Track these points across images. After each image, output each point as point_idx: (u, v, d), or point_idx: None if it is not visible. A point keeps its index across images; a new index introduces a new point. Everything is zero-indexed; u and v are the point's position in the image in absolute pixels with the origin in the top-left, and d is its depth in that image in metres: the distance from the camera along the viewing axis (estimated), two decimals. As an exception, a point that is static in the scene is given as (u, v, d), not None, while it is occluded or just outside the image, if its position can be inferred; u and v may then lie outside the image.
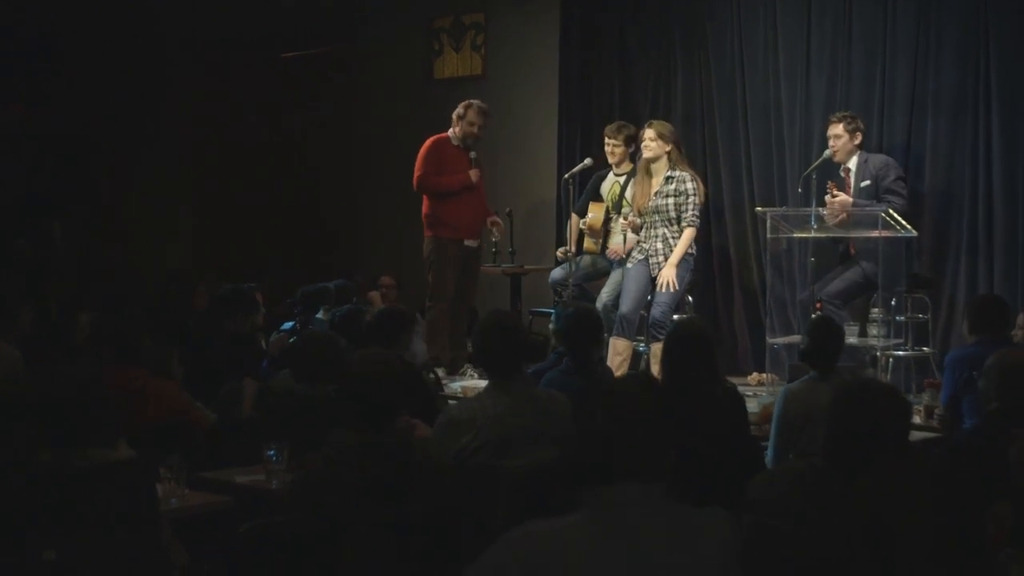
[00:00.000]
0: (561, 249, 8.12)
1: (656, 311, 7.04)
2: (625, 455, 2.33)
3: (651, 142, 7.19)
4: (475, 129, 8.00)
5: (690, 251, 7.24)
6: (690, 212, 7.11)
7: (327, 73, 11.07)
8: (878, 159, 7.28)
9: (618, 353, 7.07)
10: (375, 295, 8.84)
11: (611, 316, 7.38)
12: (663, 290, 7.02)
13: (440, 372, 7.35)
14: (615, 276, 7.57)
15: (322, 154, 11.12)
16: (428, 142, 8.10)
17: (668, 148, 7.17)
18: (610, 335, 7.10)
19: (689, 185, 7.13)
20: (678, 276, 7.06)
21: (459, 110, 8.03)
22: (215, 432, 5.10)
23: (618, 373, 7.01)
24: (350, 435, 3.40)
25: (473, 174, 7.97)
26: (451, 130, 8.08)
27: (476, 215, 8.08)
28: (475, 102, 8.05)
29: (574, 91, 9.42)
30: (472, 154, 8.06)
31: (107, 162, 10.95)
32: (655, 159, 7.17)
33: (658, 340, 7.02)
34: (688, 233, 7.11)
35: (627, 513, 2.30)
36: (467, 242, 8.04)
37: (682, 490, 2.44)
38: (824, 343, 5.10)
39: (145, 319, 7.53)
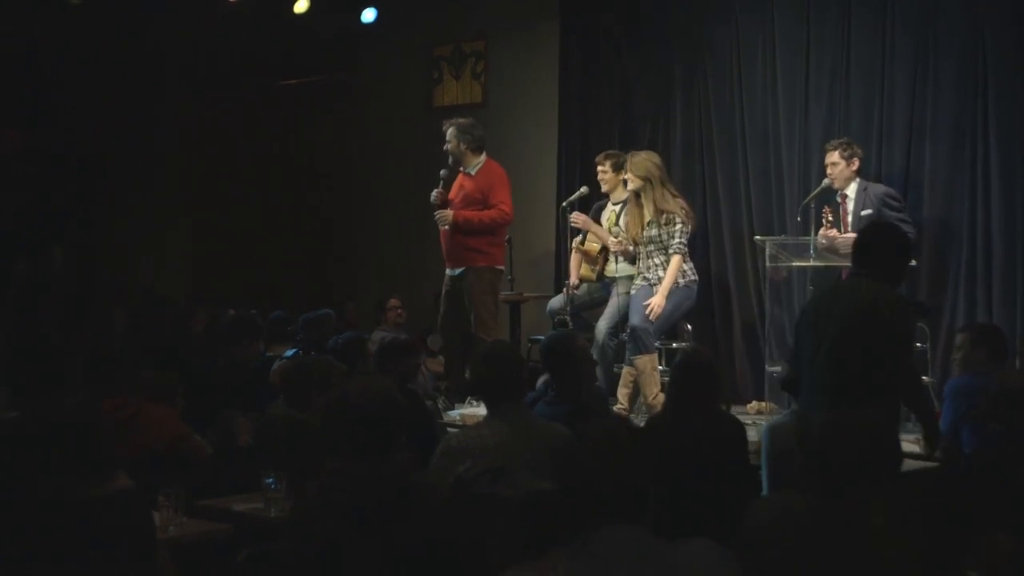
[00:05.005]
0: (567, 283, 8.05)
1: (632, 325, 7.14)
2: (604, 499, 2.32)
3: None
4: (446, 147, 7.80)
5: (693, 279, 7.31)
6: (676, 240, 7.19)
7: (327, 101, 11.10)
8: (878, 188, 7.29)
9: (644, 371, 7.08)
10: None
11: (609, 344, 7.41)
12: (648, 314, 7.13)
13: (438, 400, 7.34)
14: (612, 305, 7.58)
15: (322, 182, 11.14)
16: None
17: (639, 183, 7.24)
18: (620, 361, 7.32)
19: (676, 215, 7.20)
20: (675, 302, 7.17)
21: None
22: (212, 462, 5.08)
23: (656, 390, 7.00)
24: (346, 463, 3.39)
25: (432, 196, 7.80)
26: None
27: (447, 243, 7.83)
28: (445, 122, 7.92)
29: (574, 120, 9.45)
30: (443, 171, 7.85)
31: (104, 187, 10.97)
32: (635, 190, 7.28)
33: (644, 352, 7.07)
34: (675, 261, 7.19)
35: (612, 558, 2.29)
36: (447, 270, 7.89)
37: (670, 525, 2.44)
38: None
39: (141, 345, 7.54)
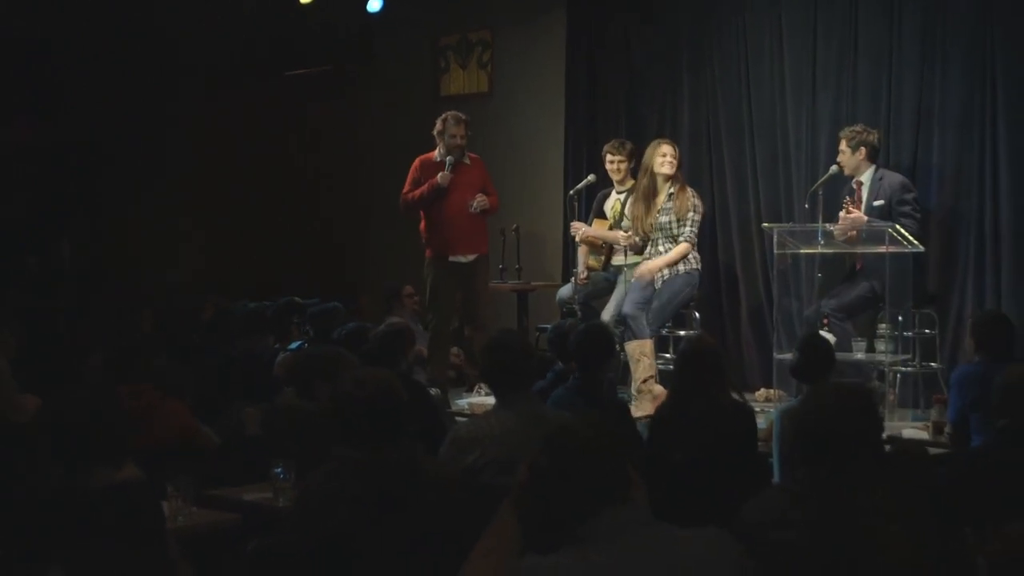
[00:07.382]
0: (575, 272, 8.07)
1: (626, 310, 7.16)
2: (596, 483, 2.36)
3: (673, 159, 7.34)
4: (458, 140, 7.83)
5: (695, 267, 7.29)
6: (688, 228, 7.18)
7: (334, 90, 11.10)
8: (894, 179, 7.20)
9: (634, 356, 7.09)
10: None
11: (615, 333, 7.41)
12: (634, 280, 7.16)
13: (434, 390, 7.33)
14: (617, 294, 7.59)
15: (329, 171, 11.15)
16: (414, 162, 8.05)
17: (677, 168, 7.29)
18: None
19: (690, 203, 7.19)
20: (674, 289, 7.17)
21: (437, 126, 7.88)
22: (221, 451, 5.11)
23: (646, 375, 7.03)
24: (348, 452, 3.39)
25: (441, 177, 7.77)
26: (437, 148, 7.95)
27: (463, 230, 7.87)
28: (449, 113, 7.92)
29: (580, 108, 9.45)
30: (449, 158, 7.82)
31: (114, 178, 10.98)
32: (669, 176, 7.25)
33: (632, 339, 7.08)
34: (682, 247, 7.18)
35: (615, 543, 2.31)
36: (452, 258, 7.90)
37: (673, 510, 2.45)
38: (813, 358, 5.13)
39: (154, 337, 7.57)
